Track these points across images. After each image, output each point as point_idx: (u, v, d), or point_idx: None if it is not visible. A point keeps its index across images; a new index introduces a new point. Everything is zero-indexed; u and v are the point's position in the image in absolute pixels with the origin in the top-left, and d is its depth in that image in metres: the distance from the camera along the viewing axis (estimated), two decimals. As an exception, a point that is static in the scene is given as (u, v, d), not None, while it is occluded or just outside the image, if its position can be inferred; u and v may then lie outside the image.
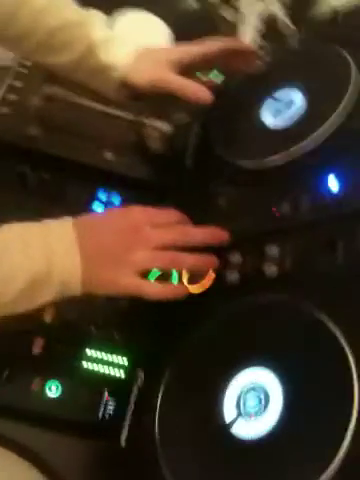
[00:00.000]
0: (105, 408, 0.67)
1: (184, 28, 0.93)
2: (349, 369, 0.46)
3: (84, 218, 0.60)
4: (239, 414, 0.50)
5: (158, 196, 0.79)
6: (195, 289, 0.62)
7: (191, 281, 0.63)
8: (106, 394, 0.68)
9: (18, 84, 0.82)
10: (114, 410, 0.67)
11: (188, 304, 0.60)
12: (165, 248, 0.58)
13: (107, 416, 0.67)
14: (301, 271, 0.56)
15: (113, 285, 0.58)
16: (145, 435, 0.56)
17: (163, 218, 0.61)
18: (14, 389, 0.64)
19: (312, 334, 0.51)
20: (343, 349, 0.48)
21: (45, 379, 0.67)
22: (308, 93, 0.64)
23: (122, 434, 0.60)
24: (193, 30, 0.92)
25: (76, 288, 0.58)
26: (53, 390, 0.67)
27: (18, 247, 0.56)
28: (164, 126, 0.84)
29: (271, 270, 0.58)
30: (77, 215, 0.60)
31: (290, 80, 0.67)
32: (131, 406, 0.62)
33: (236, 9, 0.95)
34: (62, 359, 0.69)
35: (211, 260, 0.60)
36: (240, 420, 0.50)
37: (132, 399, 0.63)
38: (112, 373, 0.70)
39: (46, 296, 0.57)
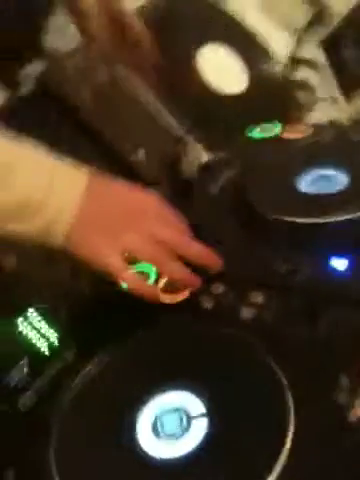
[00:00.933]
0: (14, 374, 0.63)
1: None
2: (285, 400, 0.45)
3: (102, 179, 0.58)
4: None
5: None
6: (165, 298, 0.60)
7: (165, 289, 0.60)
8: (26, 360, 0.64)
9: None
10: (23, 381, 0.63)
11: (143, 309, 0.57)
12: (159, 244, 0.56)
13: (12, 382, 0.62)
14: (273, 328, 0.55)
15: (95, 255, 0.56)
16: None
17: (172, 218, 0.59)
18: None
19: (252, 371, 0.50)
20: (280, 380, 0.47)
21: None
22: (352, 176, 0.65)
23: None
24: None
25: (58, 236, 0.55)
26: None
27: (28, 166, 0.55)
28: (205, 155, 0.85)
29: (248, 313, 0.56)
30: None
31: (338, 161, 0.68)
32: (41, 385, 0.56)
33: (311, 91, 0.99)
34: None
35: (195, 280, 0.58)
36: (156, 441, 0.46)
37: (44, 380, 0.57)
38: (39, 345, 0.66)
39: (25, 226, 0.54)
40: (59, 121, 0.80)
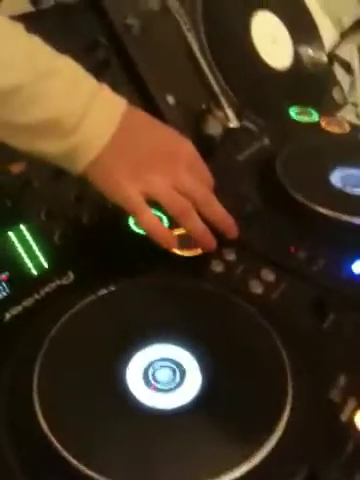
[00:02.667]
0: (-6, 285, 0.59)
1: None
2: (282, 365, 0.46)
3: (139, 113, 0.55)
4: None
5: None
6: (176, 249, 0.57)
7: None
8: (6, 275, 0.60)
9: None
10: (0, 296, 0.59)
11: (149, 253, 0.55)
12: (183, 194, 0.53)
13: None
14: (279, 308, 0.54)
15: (116, 188, 0.52)
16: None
17: (202, 171, 0.56)
18: None
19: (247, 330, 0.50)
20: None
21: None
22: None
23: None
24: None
25: (82, 163, 0.51)
26: None
27: (68, 80, 0.50)
28: (233, 119, 0.82)
29: (256, 288, 0.55)
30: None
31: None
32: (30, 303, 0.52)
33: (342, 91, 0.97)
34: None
35: (212, 243, 0.56)
36: (148, 392, 0.45)
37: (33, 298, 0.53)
38: (26, 262, 0.62)
39: (51, 146, 0.50)
40: (96, 40, 0.75)
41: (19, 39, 0.50)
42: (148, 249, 0.60)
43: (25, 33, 0.50)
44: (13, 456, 0.40)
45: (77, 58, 0.58)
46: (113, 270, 0.55)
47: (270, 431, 0.42)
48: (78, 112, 0.50)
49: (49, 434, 0.40)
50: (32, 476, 0.39)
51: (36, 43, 0.51)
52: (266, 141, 0.75)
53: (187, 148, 0.55)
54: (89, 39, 0.74)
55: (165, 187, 0.53)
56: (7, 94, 0.48)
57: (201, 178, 0.55)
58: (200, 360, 0.47)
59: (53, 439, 0.39)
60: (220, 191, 0.66)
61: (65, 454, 0.39)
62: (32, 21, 0.55)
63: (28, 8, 0.74)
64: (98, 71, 0.72)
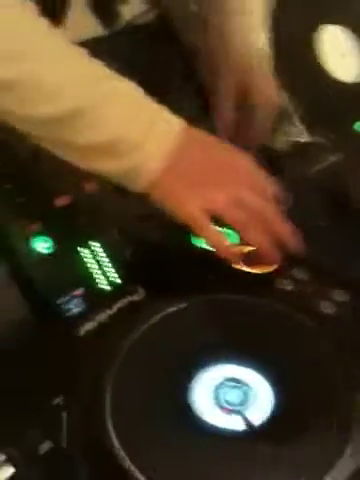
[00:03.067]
0: (69, 300, 0.61)
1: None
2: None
3: (198, 131, 0.55)
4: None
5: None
6: (244, 266, 0.57)
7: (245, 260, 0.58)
8: (81, 290, 0.62)
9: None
10: (76, 310, 0.61)
11: (217, 269, 0.55)
12: (246, 210, 0.53)
13: (64, 308, 0.61)
14: (352, 329, 0.52)
15: (177, 204, 0.53)
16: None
17: (263, 186, 0.55)
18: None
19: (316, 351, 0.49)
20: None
21: (44, 230, 0.61)
22: None
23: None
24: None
25: (142, 181, 0.52)
26: (44, 246, 0.61)
27: (128, 101, 0.52)
28: (304, 135, 0.81)
29: (328, 308, 0.54)
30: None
31: None
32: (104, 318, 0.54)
33: None
34: (71, 229, 0.63)
35: (277, 258, 0.55)
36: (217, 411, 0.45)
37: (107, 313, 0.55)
38: (100, 278, 0.64)
39: (112, 165, 0.51)
40: (168, 59, 0.77)
41: (81, 62, 0.51)
42: (218, 266, 0.60)
43: (87, 57, 0.52)
44: (83, 468, 0.41)
45: (149, 80, 0.60)
46: (183, 286, 0.56)
47: (340, 454, 0.41)
48: (137, 135, 0.51)
49: (120, 450, 0.40)
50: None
51: (97, 66, 0.52)
52: (338, 156, 0.73)
53: (246, 163, 0.55)
54: (160, 61, 0.76)
55: (226, 203, 0.53)
56: (67, 117, 0.49)
57: (262, 193, 0.55)
58: (271, 382, 0.47)
59: (123, 455, 0.40)
60: (290, 206, 0.66)
61: (134, 470, 0.40)
62: (104, 44, 0.57)
63: (97, 30, 0.76)
64: (170, 92, 0.75)
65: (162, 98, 0.59)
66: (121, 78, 0.52)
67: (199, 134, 0.56)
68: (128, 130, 0.51)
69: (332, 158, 0.74)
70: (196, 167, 0.53)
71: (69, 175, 0.65)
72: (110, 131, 0.50)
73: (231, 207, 0.53)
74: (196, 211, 0.52)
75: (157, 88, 0.59)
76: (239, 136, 0.69)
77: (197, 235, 0.55)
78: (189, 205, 0.52)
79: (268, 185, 0.56)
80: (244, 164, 0.55)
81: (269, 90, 0.70)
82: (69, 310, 0.60)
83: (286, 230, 0.55)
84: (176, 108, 0.59)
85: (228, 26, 0.69)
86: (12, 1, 0.48)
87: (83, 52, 0.52)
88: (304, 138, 0.82)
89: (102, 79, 0.51)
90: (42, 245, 0.61)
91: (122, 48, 0.68)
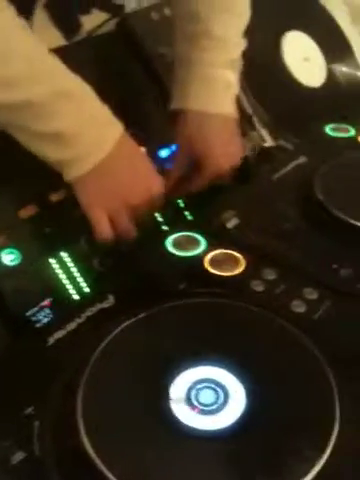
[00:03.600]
0: (38, 311, 0.60)
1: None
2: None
3: (131, 143, 0.61)
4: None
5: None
6: (214, 270, 0.58)
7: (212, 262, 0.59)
8: (49, 301, 0.61)
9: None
10: (44, 321, 0.60)
11: (188, 274, 0.58)
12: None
13: (33, 319, 0.60)
14: (323, 327, 0.53)
15: (90, 205, 0.60)
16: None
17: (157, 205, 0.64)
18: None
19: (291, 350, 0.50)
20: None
21: (9, 242, 0.60)
22: None
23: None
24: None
25: (70, 174, 0.58)
26: (10, 258, 0.60)
27: (73, 103, 0.55)
28: (268, 139, 0.82)
29: (299, 307, 0.54)
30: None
31: None
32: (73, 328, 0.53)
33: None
34: (37, 240, 0.62)
35: (131, 233, 0.63)
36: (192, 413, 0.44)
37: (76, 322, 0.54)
38: (67, 288, 0.63)
39: (50, 150, 0.56)
40: (129, 69, 0.77)
41: (40, 56, 0.54)
42: (186, 271, 0.60)
43: (46, 50, 0.55)
44: (57, 477, 0.40)
45: (111, 87, 0.60)
46: (153, 292, 0.56)
47: (315, 458, 0.41)
48: (78, 131, 0.56)
49: (94, 456, 0.39)
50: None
51: (55, 62, 0.55)
52: (302, 159, 0.74)
53: (158, 188, 0.62)
54: (122, 69, 0.76)
55: (125, 219, 0.61)
56: (20, 107, 0.53)
57: (154, 209, 0.65)
58: (244, 382, 0.46)
59: (98, 461, 0.39)
60: (258, 210, 0.67)
61: (109, 476, 0.39)
62: (65, 54, 0.58)
63: (60, 41, 0.76)
64: (132, 99, 0.75)
65: (122, 106, 0.61)
66: (73, 75, 0.56)
67: (131, 146, 0.61)
68: (71, 126, 0.55)
69: (296, 162, 0.75)
70: (119, 177, 0.60)
71: (33, 185, 0.65)
72: (58, 126, 0.55)
73: (125, 224, 0.61)
74: (102, 216, 0.60)
75: (117, 95, 0.60)
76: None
77: (93, 228, 0.61)
78: (98, 210, 0.60)
79: (159, 206, 0.64)
80: (156, 187, 0.62)
81: (217, 164, 0.68)
82: (38, 321, 0.60)
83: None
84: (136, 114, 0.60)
85: (193, 59, 0.68)
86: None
87: (42, 45, 0.54)
88: (268, 143, 0.83)
89: (57, 75, 0.55)
90: (8, 257, 0.61)
91: (83, 57, 0.68)
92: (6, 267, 0.59)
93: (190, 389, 0.46)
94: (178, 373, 0.47)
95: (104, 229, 0.61)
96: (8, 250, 0.60)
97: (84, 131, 0.56)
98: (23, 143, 0.56)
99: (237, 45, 0.70)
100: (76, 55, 0.69)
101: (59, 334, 0.51)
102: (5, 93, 0.52)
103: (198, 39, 0.68)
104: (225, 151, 0.69)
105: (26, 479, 0.41)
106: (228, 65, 0.69)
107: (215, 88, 0.68)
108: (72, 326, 0.53)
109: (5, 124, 0.56)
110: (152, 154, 0.71)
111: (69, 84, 0.56)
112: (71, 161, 0.57)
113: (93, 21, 0.78)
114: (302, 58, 0.91)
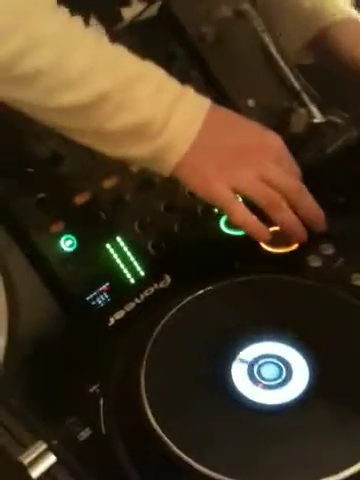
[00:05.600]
0: (96, 296, 0.61)
1: None
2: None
3: (225, 110, 0.55)
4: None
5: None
6: (270, 247, 0.57)
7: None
8: (107, 285, 0.62)
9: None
10: (103, 304, 0.61)
11: (242, 253, 0.56)
12: (273, 187, 0.53)
13: (92, 303, 0.61)
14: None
15: (205, 184, 0.52)
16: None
17: (290, 164, 0.55)
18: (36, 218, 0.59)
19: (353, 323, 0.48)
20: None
21: (67, 229, 0.62)
22: None
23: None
24: None
25: (169, 163, 0.52)
26: (67, 244, 0.61)
27: (150, 86, 0.51)
28: (317, 114, 0.80)
29: (357, 280, 0.53)
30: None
31: None
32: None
33: None
34: (92, 226, 0.63)
35: (304, 234, 0.54)
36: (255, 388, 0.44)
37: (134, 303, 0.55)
38: (124, 272, 0.64)
39: (138, 150, 0.51)
40: (173, 49, 0.77)
41: (103, 47, 0.51)
42: (242, 249, 0.60)
43: (107, 40, 0.52)
44: (123, 453, 0.41)
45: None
46: (209, 272, 0.56)
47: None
48: (163, 115, 0.51)
49: (159, 431, 0.40)
50: (142, 471, 0.40)
51: (119, 50, 0.52)
52: (354, 133, 0.72)
53: (274, 141, 0.54)
54: (166, 52, 0.76)
55: (253, 180, 0.52)
56: (95, 103, 0.49)
57: (290, 170, 0.55)
58: (307, 357, 0.46)
59: (163, 436, 0.40)
60: (311, 185, 0.65)
61: (175, 450, 0.39)
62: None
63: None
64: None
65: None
66: (142, 60, 0.52)
67: (225, 112, 0.55)
68: (155, 111, 0.51)
69: (348, 135, 0.73)
70: (222, 145, 0.53)
71: (87, 172, 0.66)
72: (137, 113, 0.50)
73: (258, 185, 0.52)
74: (223, 189, 0.52)
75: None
76: None
77: (224, 213, 0.55)
78: (216, 184, 0.52)
79: (294, 163, 0.55)
80: (271, 141, 0.54)
81: None
82: (97, 305, 0.61)
83: (313, 208, 0.54)
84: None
85: None
86: None
87: (102, 36, 0.52)
88: (318, 119, 0.82)
89: (125, 62, 0.51)
90: (66, 243, 0.62)
91: (127, 44, 0.68)
92: (65, 253, 0.61)
93: (252, 365, 0.46)
94: (240, 349, 0.47)
95: (237, 209, 0.52)
96: (66, 236, 0.61)
97: (171, 110, 0.51)
98: (108, 152, 0.52)
99: None
100: (120, 42, 0.70)
101: (119, 315, 0.52)
102: (73, 93, 0.48)
103: None
104: None
105: (93, 456, 0.42)
106: None
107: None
108: (131, 306, 0.54)
109: (83, 136, 0.52)
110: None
111: (138, 67, 0.52)
112: (166, 148, 0.51)
113: (133, 11, 0.78)
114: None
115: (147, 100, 0.50)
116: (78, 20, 0.51)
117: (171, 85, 0.53)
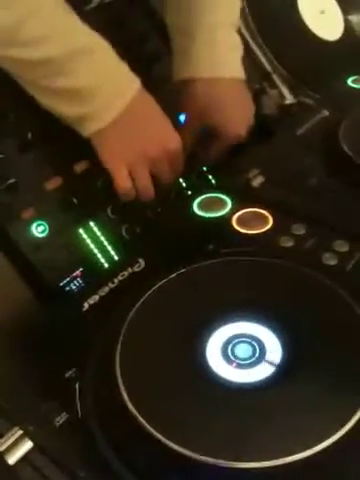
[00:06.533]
0: (70, 281, 0.61)
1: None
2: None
3: (149, 98, 0.60)
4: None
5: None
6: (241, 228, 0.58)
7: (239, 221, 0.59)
8: (80, 270, 0.62)
9: None
10: (77, 290, 0.61)
11: (215, 235, 0.58)
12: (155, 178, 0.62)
13: (66, 288, 0.60)
14: (357, 278, 0.52)
15: (109, 157, 0.60)
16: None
17: (178, 165, 0.63)
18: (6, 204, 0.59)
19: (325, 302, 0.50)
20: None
21: (38, 215, 0.61)
22: None
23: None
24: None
25: (89, 129, 0.58)
26: (39, 230, 0.61)
27: (89, 58, 0.55)
28: (288, 96, 0.81)
29: (330, 260, 0.54)
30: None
31: None
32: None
33: None
34: (64, 211, 0.63)
35: (149, 193, 0.63)
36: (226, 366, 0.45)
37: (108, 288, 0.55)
38: (98, 257, 0.64)
39: (67, 109, 0.56)
40: (145, 32, 0.76)
41: (59, 15, 0.54)
42: (214, 231, 0.60)
43: (65, 8, 0.55)
44: (100, 436, 0.41)
45: (127, 51, 0.60)
46: (183, 254, 0.56)
47: (355, 407, 0.41)
48: (96, 85, 0.56)
49: (135, 412, 0.40)
50: (119, 453, 0.40)
51: (72, 19, 0.55)
52: (325, 113, 0.73)
53: (174, 144, 0.62)
54: (137, 33, 0.75)
55: (143, 171, 0.61)
56: (36, 63, 0.54)
57: (176, 169, 0.63)
58: (279, 335, 0.47)
59: (139, 417, 0.40)
60: (283, 167, 0.66)
61: (151, 430, 0.40)
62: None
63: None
64: (149, 62, 0.75)
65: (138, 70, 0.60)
66: (92, 32, 0.57)
67: (149, 101, 0.61)
68: (91, 83, 0.56)
69: (319, 116, 0.74)
70: (136, 132, 0.60)
71: (57, 157, 0.65)
72: (73, 82, 0.55)
73: (144, 177, 0.62)
74: (121, 167, 0.61)
75: (132, 60, 0.59)
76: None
77: (114, 181, 0.61)
78: (117, 161, 0.61)
79: (181, 164, 0.63)
80: (172, 146, 0.61)
81: (235, 129, 0.67)
82: (71, 291, 0.61)
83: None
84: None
85: (193, 26, 0.67)
86: None
87: (67, 7, 0.55)
88: (289, 100, 0.82)
89: (75, 33, 0.55)
90: (38, 229, 0.62)
91: (97, 24, 0.67)
92: (36, 239, 0.60)
93: (226, 344, 0.47)
94: (214, 329, 0.48)
95: (124, 181, 0.61)
96: (37, 222, 0.61)
97: (103, 85, 0.56)
98: (39, 99, 0.57)
99: (236, 4, 0.69)
100: (90, 22, 0.69)
101: (93, 299, 0.52)
102: (24, 51, 0.53)
103: (195, 4, 0.67)
104: (241, 115, 0.67)
105: (70, 439, 0.42)
106: (230, 26, 0.68)
107: (220, 51, 0.67)
108: (105, 291, 0.54)
109: (25, 83, 0.56)
110: (171, 118, 0.71)
111: (86, 40, 0.56)
112: (90, 115, 0.57)
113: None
114: (318, 11, 0.89)
115: (84, 73, 0.55)
116: None
117: (111, 64, 0.58)
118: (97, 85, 0.56)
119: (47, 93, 0.56)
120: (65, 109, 0.57)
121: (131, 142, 0.60)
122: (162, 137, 0.61)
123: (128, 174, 0.61)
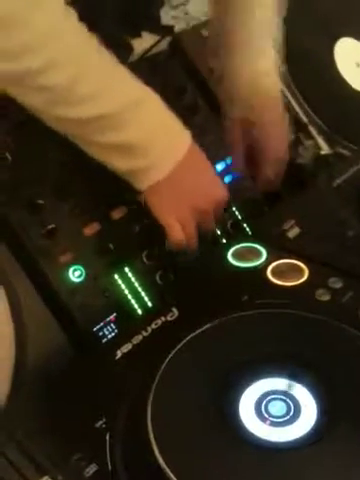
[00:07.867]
0: (103, 326, 0.62)
1: None
2: None
3: (199, 153, 0.61)
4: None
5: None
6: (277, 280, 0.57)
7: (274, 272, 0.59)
8: (114, 316, 0.62)
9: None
10: (110, 335, 0.61)
11: (250, 286, 0.57)
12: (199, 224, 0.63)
13: (100, 334, 0.61)
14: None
15: (160, 209, 0.61)
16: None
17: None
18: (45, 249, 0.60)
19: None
20: None
21: (75, 260, 0.62)
22: None
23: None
24: None
25: (145, 182, 0.58)
26: (76, 274, 0.62)
27: (142, 112, 0.55)
28: (324, 146, 0.81)
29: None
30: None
31: None
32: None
33: None
34: (101, 256, 0.64)
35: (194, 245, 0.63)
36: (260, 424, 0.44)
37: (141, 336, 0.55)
38: (132, 303, 0.64)
39: (121, 161, 0.56)
40: (183, 86, 0.78)
41: (111, 70, 0.54)
42: (250, 282, 0.60)
43: (112, 59, 0.55)
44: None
45: (167, 105, 0.62)
46: (216, 304, 0.56)
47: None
48: (149, 139, 0.56)
49: (166, 469, 0.40)
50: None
51: (122, 73, 0.56)
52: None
53: (223, 195, 0.63)
54: (176, 86, 0.77)
55: (190, 220, 0.62)
56: (86, 121, 0.53)
57: (217, 218, 0.65)
58: (315, 393, 0.46)
59: (169, 473, 0.39)
60: (319, 218, 0.66)
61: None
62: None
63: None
64: (187, 116, 0.76)
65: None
66: (144, 87, 0.57)
67: (200, 156, 0.61)
68: (144, 137, 0.56)
69: (356, 167, 0.74)
70: (188, 186, 0.60)
71: (96, 204, 0.66)
72: (127, 135, 0.55)
73: (191, 226, 0.62)
74: (171, 218, 0.62)
75: (173, 112, 0.61)
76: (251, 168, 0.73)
77: (168, 234, 0.62)
78: (168, 213, 0.61)
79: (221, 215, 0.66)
80: (219, 197, 0.63)
81: (277, 144, 0.70)
82: (104, 336, 0.61)
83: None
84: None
85: (235, 57, 0.70)
86: (55, 4, 0.51)
87: (115, 60, 0.55)
88: (326, 150, 0.82)
89: (127, 86, 0.55)
90: (75, 274, 0.62)
91: (138, 77, 0.70)
92: (73, 283, 0.61)
93: (260, 401, 0.46)
94: (247, 385, 0.47)
95: (178, 234, 0.61)
96: (74, 267, 0.62)
97: (156, 139, 0.56)
98: (93, 155, 0.57)
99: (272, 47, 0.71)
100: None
101: (126, 348, 0.52)
102: (77, 109, 0.52)
103: (236, 50, 0.69)
104: (280, 132, 0.71)
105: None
106: (270, 69, 0.70)
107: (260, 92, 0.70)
108: (138, 339, 0.53)
109: (73, 137, 0.56)
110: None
111: (138, 93, 0.56)
112: (144, 170, 0.57)
113: (144, 43, 0.79)
114: (355, 64, 0.90)
115: (138, 127, 0.55)
116: (94, 39, 0.54)
117: (164, 118, 0.58)
118: (150, 138, 0.56)
119: (98, 147, 0.56)
120: (117, 163, 0.57)
121: (183, 195, 0.60)
122: (212, 190, 0.62)
123: (180, 226, 0.61)
